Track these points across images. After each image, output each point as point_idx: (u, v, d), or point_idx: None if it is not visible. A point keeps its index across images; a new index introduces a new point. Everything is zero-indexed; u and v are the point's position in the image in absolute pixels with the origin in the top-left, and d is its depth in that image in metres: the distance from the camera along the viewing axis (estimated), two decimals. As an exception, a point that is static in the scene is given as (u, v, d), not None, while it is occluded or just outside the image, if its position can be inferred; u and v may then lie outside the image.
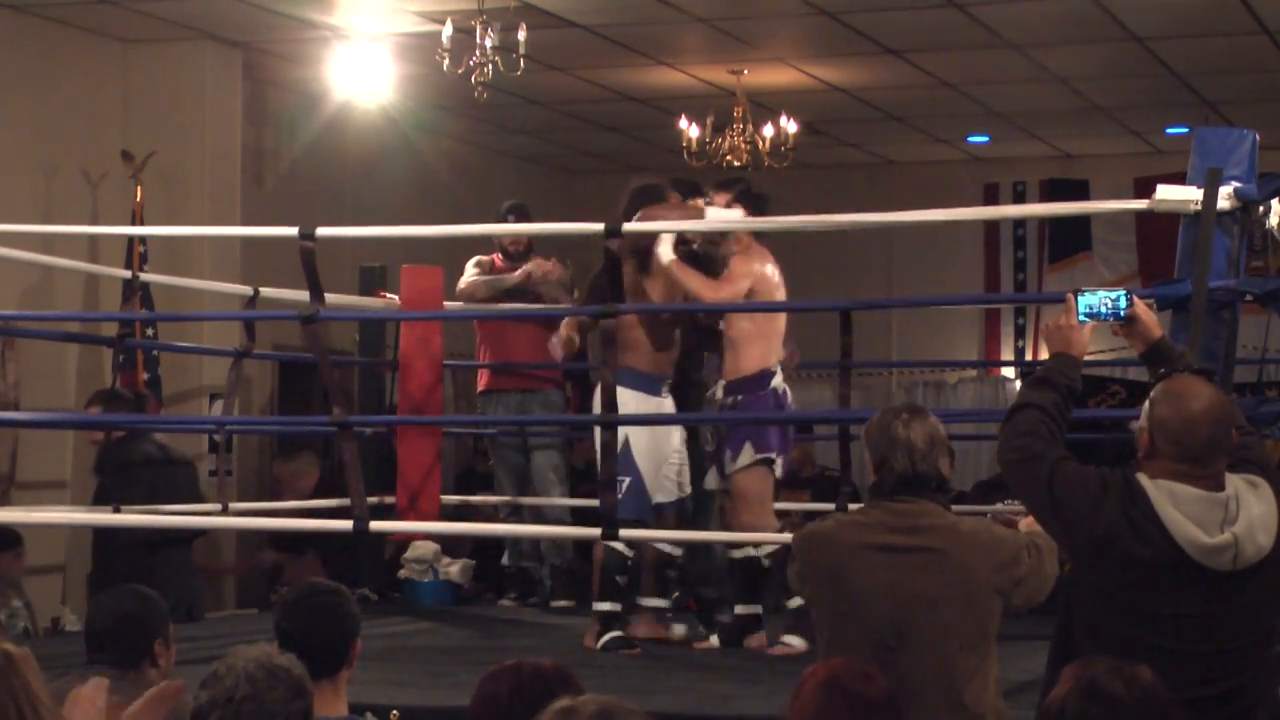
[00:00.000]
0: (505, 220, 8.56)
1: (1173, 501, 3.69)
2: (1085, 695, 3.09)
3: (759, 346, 6.86)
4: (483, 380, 8.92)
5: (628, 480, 6.64)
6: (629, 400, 6.63)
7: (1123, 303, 4.15)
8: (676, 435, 7.03)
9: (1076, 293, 4.15)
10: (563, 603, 8.51)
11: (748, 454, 6.75)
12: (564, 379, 9.57)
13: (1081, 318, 4.12)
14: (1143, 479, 3.74)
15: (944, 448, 4.22)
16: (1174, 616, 3.70)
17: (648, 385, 6.85)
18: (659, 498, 6.92)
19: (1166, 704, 3.12)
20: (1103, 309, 4.13)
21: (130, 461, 8.12)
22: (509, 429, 8.80)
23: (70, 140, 10.20)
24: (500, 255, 8.73)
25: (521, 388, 8.76)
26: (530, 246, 8.68)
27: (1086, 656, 3.41)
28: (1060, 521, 3.83)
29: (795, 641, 6.65)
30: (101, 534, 8.19)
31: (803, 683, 3.38)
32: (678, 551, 7.19)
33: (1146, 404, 3.82)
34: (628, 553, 6.82)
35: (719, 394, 6.93)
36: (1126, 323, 4.16)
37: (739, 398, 6.84)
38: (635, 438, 6.69)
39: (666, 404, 6.97)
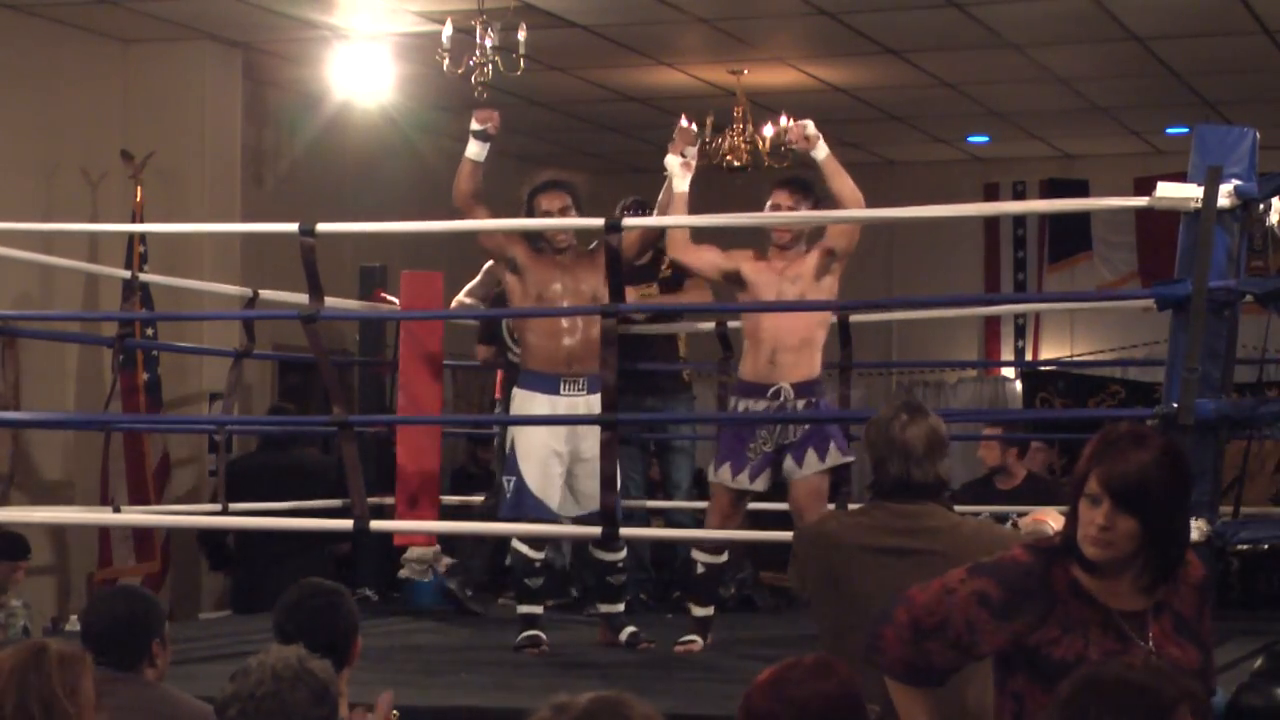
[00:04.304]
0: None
1: None
2: (1085, 684, 3.00)
3: (821, 350, 6.82)
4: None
5: (512, 480, 6.70)
6: (524, 401, 6.76)
7: None
8: (560, 438, 6.76)
9: None
10: (562, 602, 8.51)
11: (834, 456, 6.58)
12: None
13: None
14: None
15: (943, 450, 4.15)
16: None
17: (543, 385, 6.77)
18: (568, 508, 6.79)
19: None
20: None
21: (250, 466, 8.73)
22: None
23: (70, 140, 10.20)
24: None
25: None
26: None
27: None
28: None
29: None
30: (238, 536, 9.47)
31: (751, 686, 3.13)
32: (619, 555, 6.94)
33: None
34: (532, 555, 6.78)
35: (789, 394, 6.67)
36: None
37: (813, 399, 6.67)
38: (520, 439, 6.72)
39: (562, 403, 6.75)
